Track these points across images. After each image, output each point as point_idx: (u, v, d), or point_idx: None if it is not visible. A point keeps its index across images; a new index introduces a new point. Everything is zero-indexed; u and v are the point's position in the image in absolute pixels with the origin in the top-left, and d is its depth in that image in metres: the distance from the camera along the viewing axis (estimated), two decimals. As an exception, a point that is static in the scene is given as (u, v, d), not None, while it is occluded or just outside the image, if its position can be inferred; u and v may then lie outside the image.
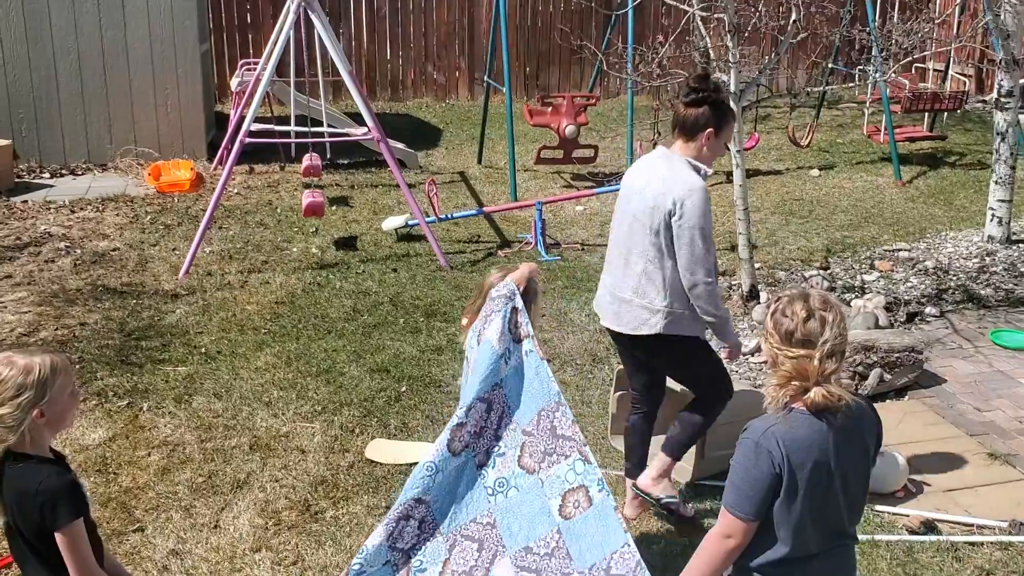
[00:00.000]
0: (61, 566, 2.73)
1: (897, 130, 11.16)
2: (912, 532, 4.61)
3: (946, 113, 12.15)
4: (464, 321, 3.86)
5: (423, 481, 3.49)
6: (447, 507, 3.51)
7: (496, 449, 3.57)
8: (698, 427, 4.49)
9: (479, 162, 11.39)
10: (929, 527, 4.64)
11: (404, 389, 5.92)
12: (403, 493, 3.51)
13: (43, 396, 2.70)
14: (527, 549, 3.42)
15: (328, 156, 10.88)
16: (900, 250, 8.38)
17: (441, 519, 3.50)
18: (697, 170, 4.19)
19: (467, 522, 3.51)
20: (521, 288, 3.70)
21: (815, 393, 2.69)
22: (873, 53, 10.13)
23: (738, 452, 2.75)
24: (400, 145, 11.00)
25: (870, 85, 11.38)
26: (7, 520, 2.78)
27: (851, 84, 12.25)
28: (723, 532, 2.76)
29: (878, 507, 4.77)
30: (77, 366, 6.10)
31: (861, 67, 11.48)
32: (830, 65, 12.11)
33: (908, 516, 4.72)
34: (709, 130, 4.16)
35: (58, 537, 2.69)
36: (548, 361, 3.64)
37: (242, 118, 9.07)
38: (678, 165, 4.18)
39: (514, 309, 3.65)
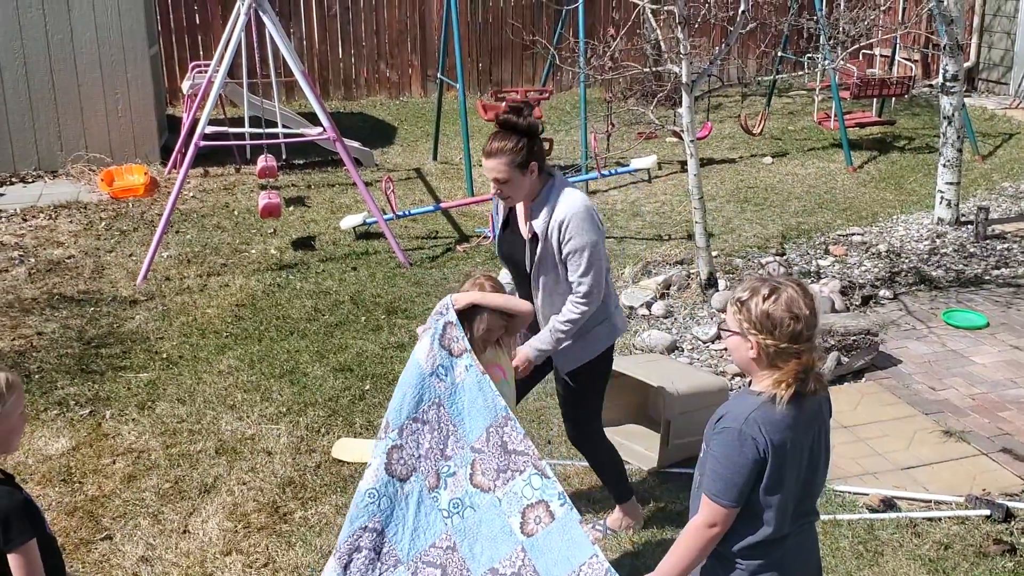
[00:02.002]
0: None
1: (847, 116, 11.32)
2: (872, 510, 4.71)
3: (894, 98, 12.34)
4: None
5: (367, 509, 3.48)
6: (404, 535, 3.49)
7: (445, 469, 3.53)
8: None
9: (435, 158, 11.39)
10: (888, 505, 4.75)
11: (368, 387, 5.94)
12: (348, 523, 3.49)
13: None
14: (492, 571, 3.39)
15: (284, 157, 10.83)
16: (853, 234, 8.52)
17: (400, 548, 3.49)
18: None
19: (426, 548, 3.48)
20: (458, 306, 3.64)
21: (814, 382, 2.77)
22: (821, 41, 10.28)
23: (719, 441, 2.77)
24: (355, 144, 10.98)
25: (819, 73, 11.53)
26: None
27: (800, 72, 12.40)
28: (707, 521, 2.78)
29: (839, 487, 4.87)
30: (36, 376, 6.05)
31: (810, 55, 11.63)
32: (779, 54, 12.25)
33: (868, 495, 4.82)
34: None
35: (11, 558, 2.66)
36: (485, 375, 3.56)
37: (195, 121, 9.01)
38: None
39: (448, 324, 3.58)
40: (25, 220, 9.13)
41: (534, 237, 4.04)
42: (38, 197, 9.82)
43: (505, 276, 4.54)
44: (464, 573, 3.43)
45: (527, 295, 4.16)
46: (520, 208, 4.13)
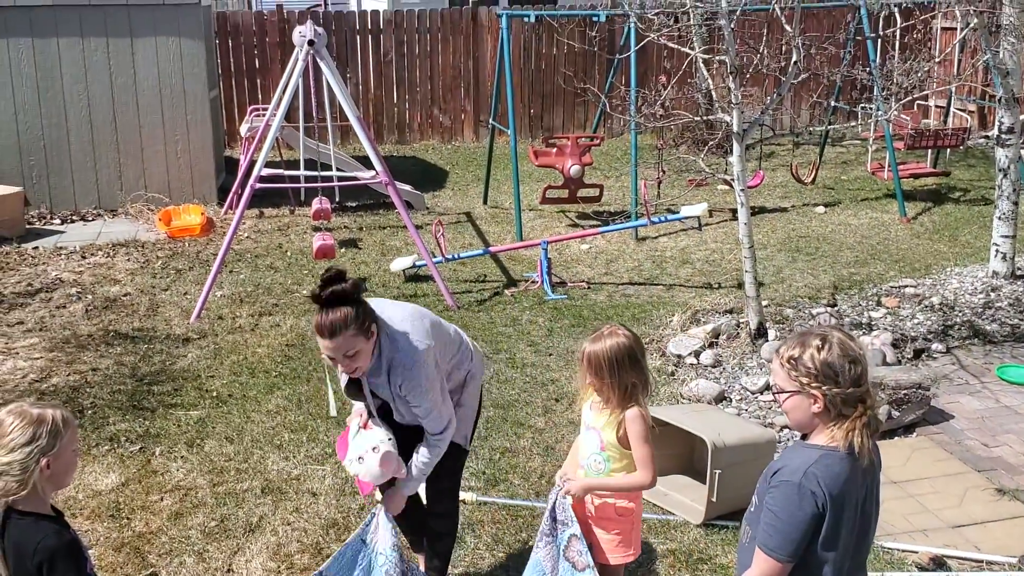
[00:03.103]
0: None
1: (901, 167, 11.24)
2: (921, 568, 4.62)
3: (949, 149, 12.23)
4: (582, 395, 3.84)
5: None
6: None
7: None
8: None
9: (485, 202, 11.48)
10: (938, 563, 4.65)
11: (414, 431, 5.95)
12: None
13: (53, 446, 2.72)
14: None
15: (337, 199, 10.99)
16: (906, 286, 8.41)
17: None
18: None
19: None
20: (576, 497, 3.75)
21: (874, 425, 2.76)
22: (874, 92, 10.24)
23: (776, 495, 2.74)
24: (407, 187, 11.11)
25: (873, 123, 11.48)
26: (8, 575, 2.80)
27: (854, 123, 12.34)
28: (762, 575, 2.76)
29: (887, 544, 4.78)
30: (89, 411, 6.16)
31: (863, 105, 11.58)
32: (832, 104, 12.22)
33: (917, 552, 4.73)
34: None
35: None
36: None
37: (252, 163, 9.19)
38: None
39: (572, 537, 3.68)
40: (84, 257, 9.33)
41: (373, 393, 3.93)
42: (97, 235, 10.05)
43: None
44: None
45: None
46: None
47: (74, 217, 10.68)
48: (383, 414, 4.00)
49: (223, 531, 4.91)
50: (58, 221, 10.56)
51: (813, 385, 2.74)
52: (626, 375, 3.59)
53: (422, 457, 3.91)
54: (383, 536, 3.78)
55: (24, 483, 2.70)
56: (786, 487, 2.73)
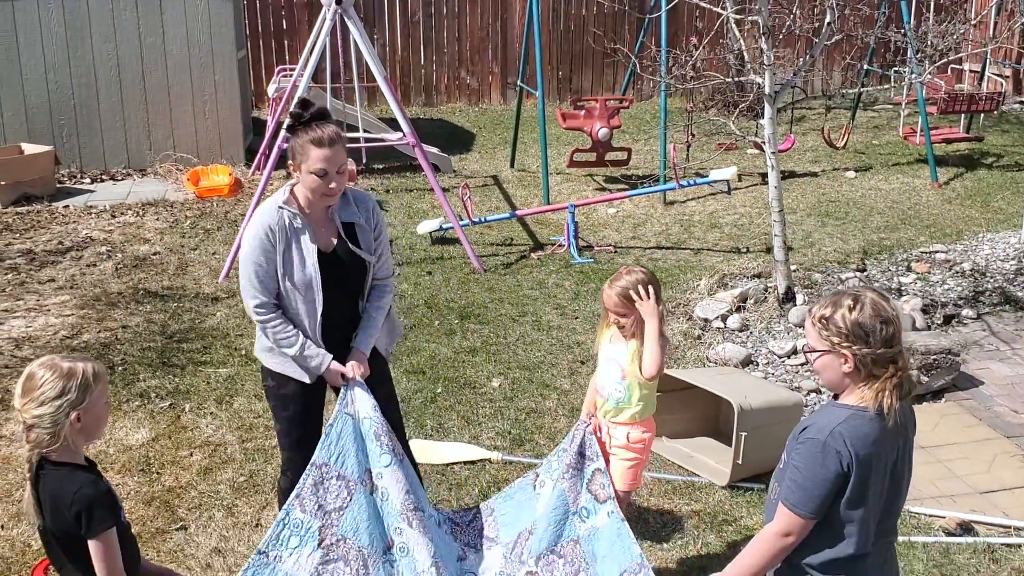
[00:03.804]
0: (94, 570, 2.79)
1: (933, 131, 11.09)
2: (949, 533, 4.60)
3: (983, 114, 12.05)
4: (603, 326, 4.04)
5: None
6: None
7: None
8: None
9: (512, 166, 11.44)
10: (966, 529, 4.63)
11: (440, 390, 5.98)
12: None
13: (82, 400, 2.75)
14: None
15: (364, 161, 10.98)
16: (937, 252, 8.33)
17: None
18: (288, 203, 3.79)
19: None
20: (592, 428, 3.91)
21: (907, 386, 2.75)
22: (908, 55, 10.08)
23: (802, 451, 2.74)
24: (434, 149, 11.08)
25: (906, 86, 11.31)
26: (43, 524, 2.84)
27: (887, 86, 12.16)
28: (783, 530, 2.76)
29: (915, 509, 4.76)
30: (120, 368, 6.22)
31: (896, 68, 11.42)
32: (865, 67, 12.05)
33: (944, 518, 4.71)
34: (289, 160, 3.80)
35: (91, 544, 2.75)
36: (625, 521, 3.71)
37: (279, 123, 9.19)
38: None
39: (597, 471, 3.80)
40: (114, 216, 9.39)
41: (351, 233, 3.86)
42: (127, 194, 10.10)
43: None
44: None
45: (336, 318, 3.89)
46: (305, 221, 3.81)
47: (104, 176, 10.74)
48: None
49: (252, 486, 4.96)
50: (88, 180, 10.62)
51: (843, 345, 2.73)
52: (659, 294, 3.81)
53: (376, 302, 3.95)
54: (362, 402, 3.75)
55: (56, 435, 2.73)
56: (811, 444, 2.73)
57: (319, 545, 3.58)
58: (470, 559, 3.92)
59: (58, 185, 10.23)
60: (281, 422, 4.02)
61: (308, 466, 3.67)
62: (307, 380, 3.88)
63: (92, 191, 10.26)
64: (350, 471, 3.69)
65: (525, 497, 4.00)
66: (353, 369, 3.84)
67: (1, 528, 4.59)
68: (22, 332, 6.75)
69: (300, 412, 3.93)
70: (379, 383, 3.99)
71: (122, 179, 10.72)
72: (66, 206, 9.67)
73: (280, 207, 3.74)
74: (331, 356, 3.82)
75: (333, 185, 3.69)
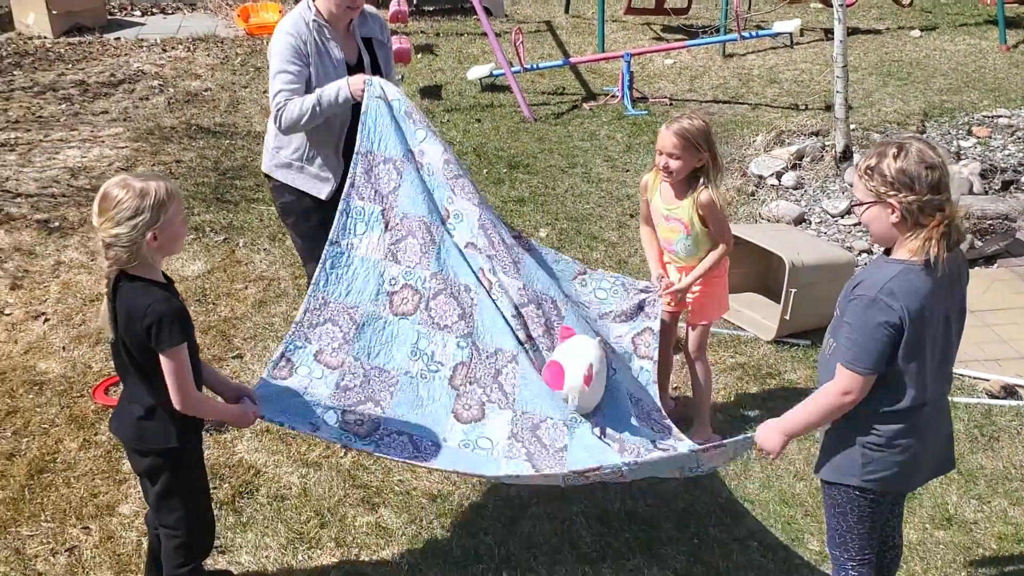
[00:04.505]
0: (160, 384, 2.87)
1: (1007, -10, 10.62)
2: (992, 396, 4.63)
3: (1061, -26, 11.48)
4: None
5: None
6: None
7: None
8: None
9: (566, 11, 11.15)
10: (1009, 392, 4.65)
11: (490, 236, 6.00)
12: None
13: (157, 220, 2.77)
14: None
15: (414, 2, 10.74)
16: (1000, 117, 8.09)
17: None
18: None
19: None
20: None
21: (956, 234, 2.71)
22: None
23: (853, 308, 2.74)
24: (487, -8, 10.81)
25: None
26: (116, 336, 2.91)
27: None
28: (842, 389, 2.76)
29: (959, 371, 4.77)
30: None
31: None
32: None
33: (988, 380, 4.73)
34: None
35: (162, 359, 2.82)
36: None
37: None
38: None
39: (647, 330, 3.85)
40: (165, 51, 9.34)
41: (369, 47, 4.07)
42: (177, 29, 10.01)
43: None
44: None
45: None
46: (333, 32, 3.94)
47: (154, 9, 10.62)
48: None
49: (304, 321, 5.06)
50: (138, 13, 10.52)
51: (890, 194, 2.68)
52: (715, 148, 3.84)
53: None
54: (387, 87, 3.79)
55: (134, 253, 2.78)
56: (862, 300, 2.71)
57: (386, 228, 3.66)
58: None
59: (109, 17, 10.14)
60: (302, 235, 4.17)
61: (354, 155, 3.73)
62: (322, 197, 4.04)
63: (143, 24, 10.17)
64: (394, 152, 3.74)
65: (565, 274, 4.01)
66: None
67: (63, 349, 4.75)
68: (77, 162, 6.82)
69: (321, 223, 3.99)
70: None
71: (172, 13, 10.60)
72: (117, 38, 9.61)
73: (307, 20, 3.87)
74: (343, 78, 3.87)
75: (353, 5, 3.86)
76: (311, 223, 4.12)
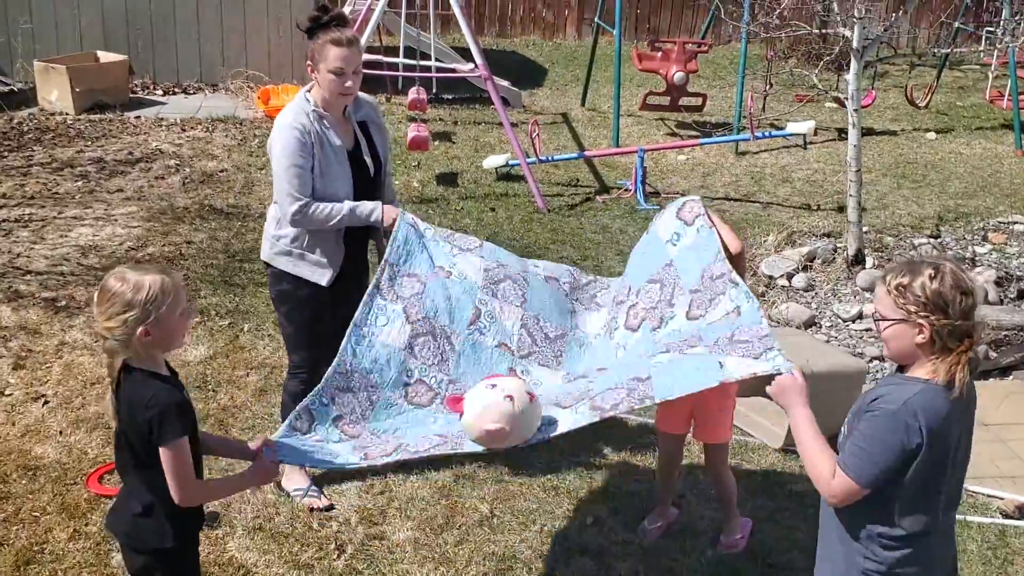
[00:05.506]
0: (160, 481, 2.80)
1: (1022, 96, 10.67)
2: (1006, 516, 4.50)
3: (1077, 81, 11.56)
4: None
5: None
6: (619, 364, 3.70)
7: (669, 315, 3.72)
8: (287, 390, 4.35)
9: (583, 104, 11.27)
10: (1024, 512, 4.53)
11: (497, 330, 5.95)
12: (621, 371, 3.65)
13: (148, 316, 2.72)
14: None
15: (434, 90, 10.88)
16: (1016, 223, 8.06)
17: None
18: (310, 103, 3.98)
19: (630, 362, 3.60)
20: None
21: (974, 364, 2.66)
22: (1003, 15, 9.68)
23: (871, 420, 2.66)
24: (504, 83, 10.94)
25: (997, 48, 10.88)
26: (119, 428, 2.87)
27: (978, 48, 11.70)
28: (830, 490, 2.68)
29: (972, 488, 4.66)
30: (183, 283, 6.27)
31: (989, 29, 10.98)
32: (957, 25, 11.61)
33: (1003, 499, 4.60)
34: (307, 63, 4.00)
35: (162, 452, 2.76)
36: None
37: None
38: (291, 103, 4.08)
39: (689, 202, 3.88)
40: (184, 130, 9.44)
41: (366, 132, 4.14)
42: (197, 108, 10.14)
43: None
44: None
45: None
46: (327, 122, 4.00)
47: (176, 89, 10.77)
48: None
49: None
50: (160, 92, 10.67)
51: (921, 315, 2.63)
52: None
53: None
54: (417, 220, 3.99)
55: (128, 347, 2.75)
56: (882, 414, 2.64)
57: (407, 320, 3.72)
58: (580, 316, 4.04)
59: (131, 95, 10.29)
60: (295, 323, 4.22)
61: (382, 263, 3.83)
62: (323, 283, 4.09)
63: (164, 103, 10.30)
64: (418, 269, 3.85)
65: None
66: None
67: (60, 434, 4.68)
68: (89, 240, 6.84)
69: (315, 313, 4.10)
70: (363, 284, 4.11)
71: (193, 93, 10.75)
72: (138, 116, 9.73)
73: (307, 111, 3.94)
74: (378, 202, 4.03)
75: (349, 84, 3.90)
76: (305, 313, 4.16)
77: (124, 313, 2.71)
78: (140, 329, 2.72)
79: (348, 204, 3.97)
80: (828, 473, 2.70)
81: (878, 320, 2.77)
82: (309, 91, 4.01)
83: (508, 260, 4.04)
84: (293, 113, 3.95)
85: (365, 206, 3.99)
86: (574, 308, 4.07)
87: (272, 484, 4.41)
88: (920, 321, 2.64)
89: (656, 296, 3.77)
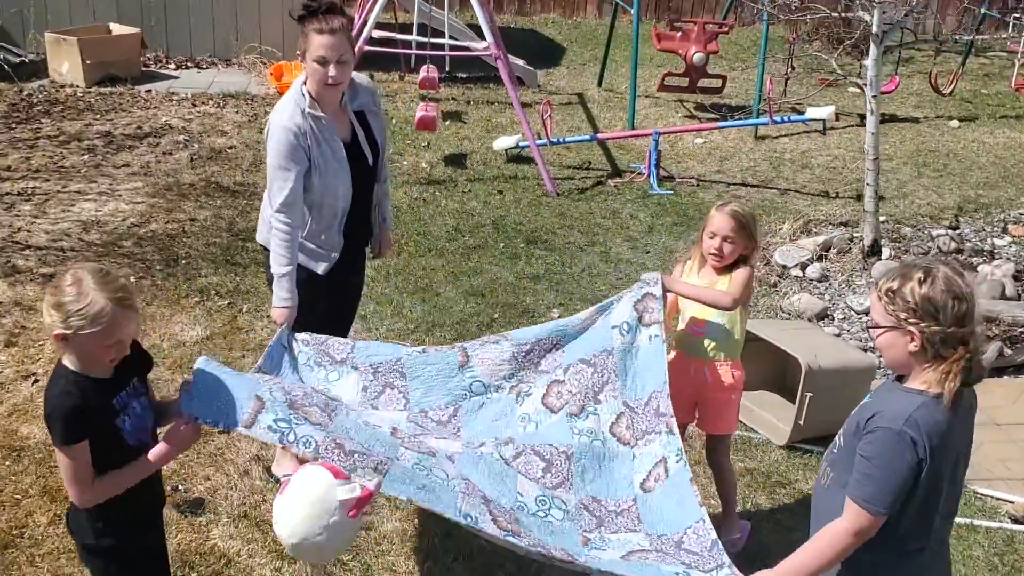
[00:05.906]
0: (98, 461, 2.68)
1: (1050, 85, 10.44)
2: (1016, 520, 4.36)
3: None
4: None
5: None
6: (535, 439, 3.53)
7: (592, 408, 3.57)
8: None
9: (599, 85, 11.08)
10: (1035, 517, 4.39)
11: (497, 316, 5.84)
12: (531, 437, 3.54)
13: (68, 328, 2.56)
14: (595, 500, 3.36)
15: (446, 69, 10.72)
16: (1038, 215, 7.86)
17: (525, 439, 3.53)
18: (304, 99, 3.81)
19: (544, 444, 3.47)
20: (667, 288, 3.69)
21: (976, 370, 2.55)
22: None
23: (874, 441, 2.54)
24: (520, 62, 10.77)
25: (1025, 35, 10.63)
26: None
27: (1004, 35, 11.44)
28: (852, 528, 2.55)
29: (981, 490, 4.52)
30: (183, 262, 6.19)
31: (1017, 16, 10.72)
32: (983, 11, 11.33)
33: (1013, 503, 4.46)
34: (298, 52, 3.87)
35: (56, 452, 2.68)
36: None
37: (364, 23, 8.98)
38: (284, 97, 3.93)
39: (648, 295, 3.63)
40: (194, 105, 9.34)
41: (363, 121, 4.00)
42: (209, 84, 10.04)
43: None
44: (568, 482, 3.41)
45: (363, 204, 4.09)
46: (319, 112, 3.84)
47: (188, 64, 10.67)
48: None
49: (299, 396, 4.90)
50: (173, 66, 10.57)
51: (911, 321, 2.52)
52: (758, 232, 3.87)
53: (383, 185, 4.20)
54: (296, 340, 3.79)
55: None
56: (884, 434, 2.52)
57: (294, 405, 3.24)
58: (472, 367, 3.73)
59: (143, 69, 10.19)
60: None
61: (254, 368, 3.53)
62: (319, 272, 4.04)
63: (176, 77, 10.21)
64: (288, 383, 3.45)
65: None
66: (383, 247, 4.35)
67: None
68: (91, 216, 6.76)
69: (308, 297, 3.97)
70: (358, 271, 4.35)
71: (206, 67, 10.65)
72: (148, 90, 9.64)
73: (302, 109, 3.81)
74: (295, 305, 3.85)
75: (333, 73, 3.74)
76: (299, 295, 4.01)
77: (53, 309, 2.59)
78: (56, 332, 2.60)
79: (289, 268, 3.82)
80: (844, 528, 2.57)
81: (871, 327, 2.65)
82: (304, 82, 3.88)
83: (382, 358, 3.74)
84: (288, 112, 3.81)
85: (282, 286, 3.82)
86: (466, 362, 3.73)
87: (261, 469, 4.33)
88: (911, 328, 2.51)
89: (586, 381, 3.59)
